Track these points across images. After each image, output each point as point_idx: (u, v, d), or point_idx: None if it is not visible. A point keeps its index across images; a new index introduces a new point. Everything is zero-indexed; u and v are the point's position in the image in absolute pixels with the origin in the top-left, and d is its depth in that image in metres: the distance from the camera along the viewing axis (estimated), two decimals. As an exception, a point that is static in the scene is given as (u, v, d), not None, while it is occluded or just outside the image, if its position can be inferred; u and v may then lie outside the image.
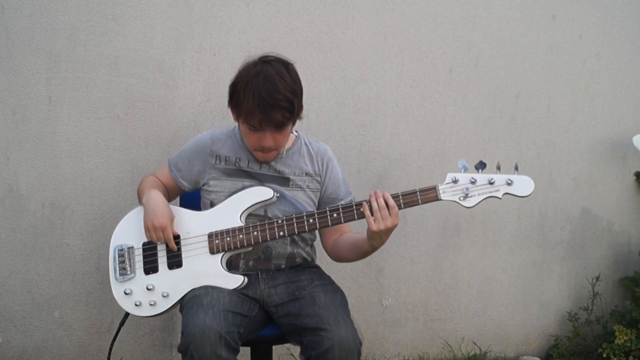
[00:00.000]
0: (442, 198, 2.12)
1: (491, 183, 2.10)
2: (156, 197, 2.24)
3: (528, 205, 3.21)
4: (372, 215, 2.09)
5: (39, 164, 2.70)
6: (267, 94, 2.07)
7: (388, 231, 2.10)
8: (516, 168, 2.11)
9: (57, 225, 2.75)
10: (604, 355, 3.17)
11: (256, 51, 2.24)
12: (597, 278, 3.32)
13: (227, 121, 2.71)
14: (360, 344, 2.09)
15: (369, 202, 2.10)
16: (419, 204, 2.12)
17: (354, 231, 2.37)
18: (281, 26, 2.83)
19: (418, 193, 2.12)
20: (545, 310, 3.36)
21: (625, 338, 3.11)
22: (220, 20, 2.78)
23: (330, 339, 2.02)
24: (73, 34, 2.65)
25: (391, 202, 2.09)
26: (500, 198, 2.11)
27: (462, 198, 2.11)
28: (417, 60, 3.01)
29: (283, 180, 2.29)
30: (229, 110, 2.24)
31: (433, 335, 3.24)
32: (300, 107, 2.18)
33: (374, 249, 2.17)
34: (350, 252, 2.28)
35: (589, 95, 3.24)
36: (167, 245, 2.23)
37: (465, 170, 2.12)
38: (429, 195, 2.12)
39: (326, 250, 2.38)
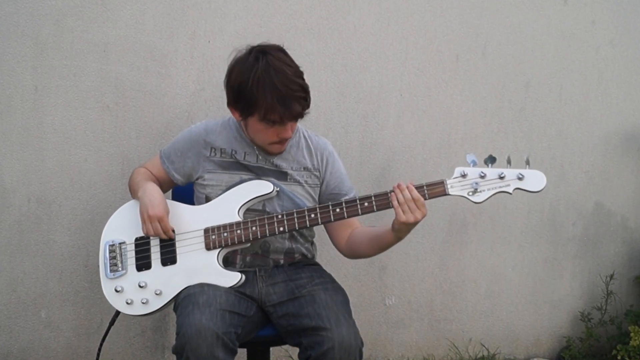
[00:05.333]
0: (450, 193, 2.14)
1: (501, 177, 2.11)
2: (153, 190, 2.26)
3: (539, 200, 3.23)
4: (400, 206, 2.12)
5: (24, 156, 2.72)
6: (284, 88, 2.11)
7: (416, 222, 2.14)
8: (527, 162, 2.12)
9: (44, 221, 2.77)
10: (619, 358, 3.18)
11: (253, 38, 2.26)
12: (611, 276, 3.33)
13: (222, 111, 2.72)
14: (362, 344, 2.11)
15: (395, 194, 2.13)
16: (425, 199, 2.14)
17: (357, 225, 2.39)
18: (279, 11, 2.85)
19: (425, 187, 2.14)
20: (556, 310, 3.38)
21: (640, 339, 3.14)
22: (215, 5, 2.79)
23: (331, 339, 2.04)
24: (60, 19, 2.66)
25: (415, 194, 2.12)
26: (510, 193, 2.13)
27: (471, 193, 2.13)
28: (422, 48, 3.03)
29: (280, 174, 2.32)
30: (225, 102, 2.26)
31: (439, 336, 3.26)
32: None
33: (399, 239, 2.22)
34: (370, 246, 2.31)
35: (602, 84, 3.26)
36: (160, 241, 2.25)
37: (474, 164, 2.13)
38: (437, 189, 2.14)
39: (339, 248, 2.40)
